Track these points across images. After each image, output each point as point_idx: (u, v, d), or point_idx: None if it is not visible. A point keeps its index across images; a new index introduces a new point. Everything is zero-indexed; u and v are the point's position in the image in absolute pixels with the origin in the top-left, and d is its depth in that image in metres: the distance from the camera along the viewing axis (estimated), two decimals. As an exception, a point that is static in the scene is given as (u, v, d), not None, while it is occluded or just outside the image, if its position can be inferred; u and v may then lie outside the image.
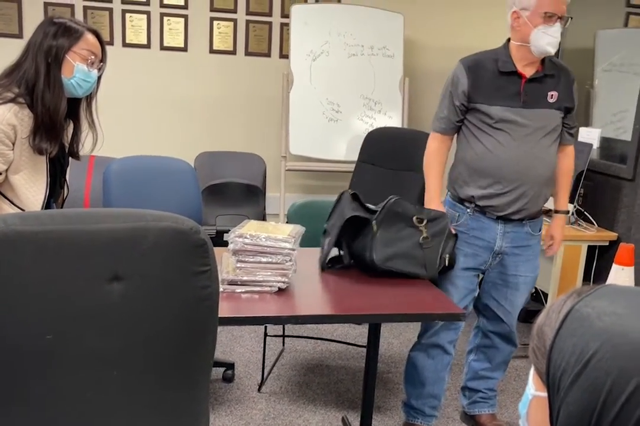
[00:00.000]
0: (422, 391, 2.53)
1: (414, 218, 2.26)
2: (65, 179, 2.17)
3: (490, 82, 2.30)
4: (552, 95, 2.32)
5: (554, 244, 2.57)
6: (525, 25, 2.24)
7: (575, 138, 2.58)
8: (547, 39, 2.22)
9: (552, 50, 2.25)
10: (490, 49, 2.38)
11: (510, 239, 2.41)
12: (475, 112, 2.33)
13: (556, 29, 2.21)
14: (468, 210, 2.40)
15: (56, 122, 1.95)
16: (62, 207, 2.20)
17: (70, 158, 2.16)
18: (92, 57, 1.98)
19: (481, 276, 2.54)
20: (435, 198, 2.44)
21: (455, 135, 2.44)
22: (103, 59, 2.04)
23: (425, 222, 2.27)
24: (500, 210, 2.36)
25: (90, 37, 1.98)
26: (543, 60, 2.32)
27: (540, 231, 2.50)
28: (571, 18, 2.28)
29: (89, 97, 2.09)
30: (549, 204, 2.62)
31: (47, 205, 2.05)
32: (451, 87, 2.36)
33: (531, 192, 2.34)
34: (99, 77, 2.04)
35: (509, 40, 2.34)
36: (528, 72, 2.30)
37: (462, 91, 2.32)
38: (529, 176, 2.32)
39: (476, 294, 2.53)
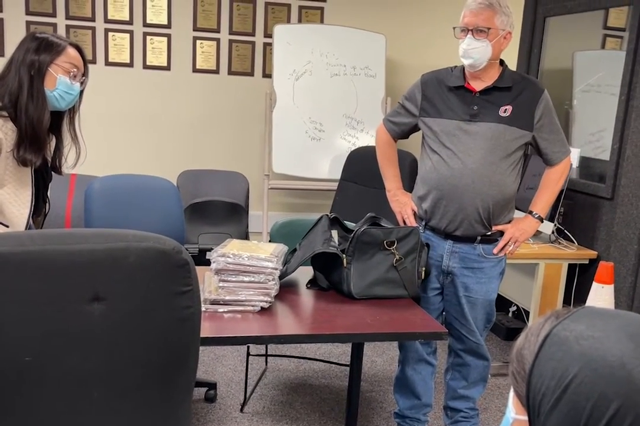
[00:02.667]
0: (417, 402, 2.63)
1: (384, 242, 2.24)
2: (47, 195, 2.17)
3: (441, 97, 2.34)
4: (505, 109, 2.28)
5: (502, 240, 2.38)
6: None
7: (561, 156, 2.37)
8: (460, 52, 2.27)
9: (466, 62, 2.27)
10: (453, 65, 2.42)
11: (458, 259, 2.39)
12: (424, 127, 2.38)
13: (466, 40, 2.25)
14: (420, 228, 2.41)
15: (40, 133, 1.96)
16: (42, 225, 2.18)
17: (52, 173, 2.16)
18: (75, 70, 2.00)
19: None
20: (394, 189, 2.55)
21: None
22: (85, 73, 2.05)
23: (395, 243, 2.25)
24: (441, 226, 2.36)
25: (71, 51, 2.00)
26: (502, 74, 2.31)
27: (497, 255, 2.41)
28: (489, 29, 2.20)
29: (72, 112, 2.10)
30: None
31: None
32: (406, 101, 2.44)
33: (471, 209, 2.30)
34: (82, 92, 2.06)
35: None
36: (478, 86, 2.31)
37: (414, 106, 2.41)
38: (467, 192, 2.29)
39: (442, 310, 2.53)
